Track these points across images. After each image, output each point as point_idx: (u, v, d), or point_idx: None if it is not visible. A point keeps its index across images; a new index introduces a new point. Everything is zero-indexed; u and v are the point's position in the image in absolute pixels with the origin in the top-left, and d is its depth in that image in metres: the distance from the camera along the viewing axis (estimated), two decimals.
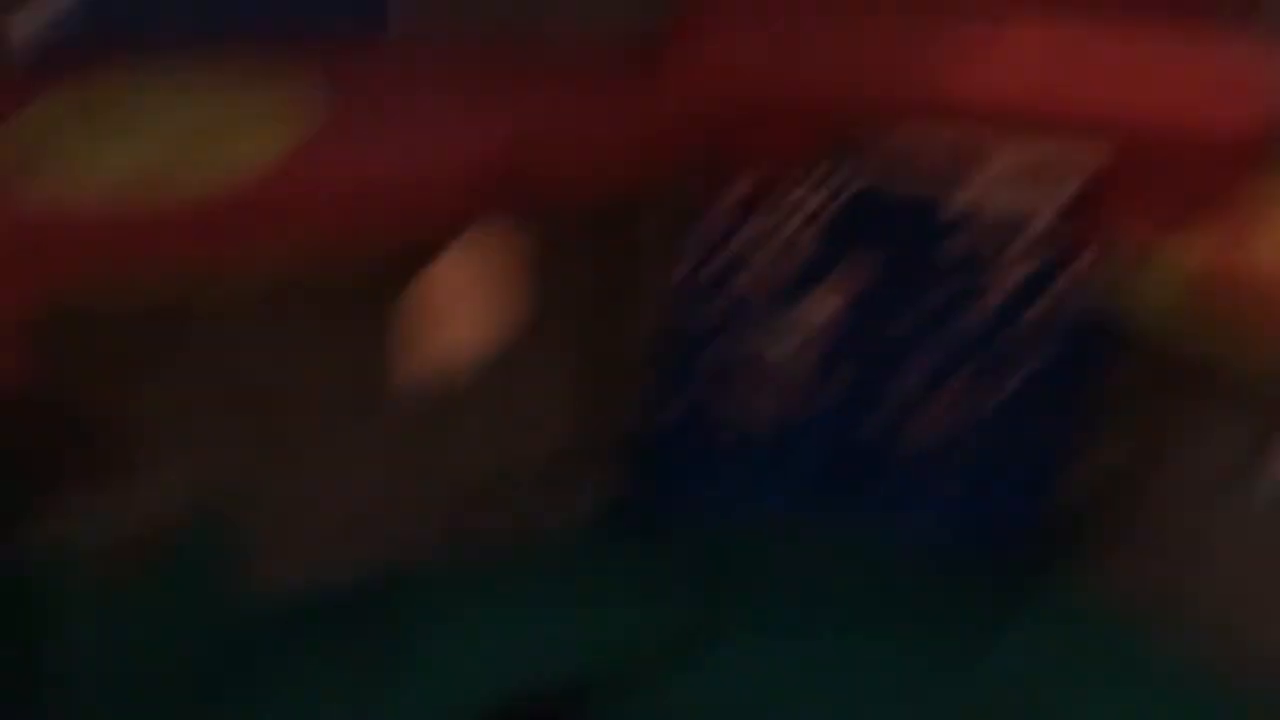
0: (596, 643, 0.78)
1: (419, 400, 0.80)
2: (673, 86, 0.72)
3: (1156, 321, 0.72)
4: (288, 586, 0.78)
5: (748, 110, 0.74)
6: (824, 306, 0.98)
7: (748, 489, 1.05)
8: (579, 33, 0.74)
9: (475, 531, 0.84)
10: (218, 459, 0.74)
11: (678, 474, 1.01)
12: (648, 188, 0.79)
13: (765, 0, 0.86)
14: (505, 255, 0.80)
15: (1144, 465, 0.88)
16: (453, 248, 0.79)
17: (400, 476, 0.81)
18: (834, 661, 0.84)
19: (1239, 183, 0.67)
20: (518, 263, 0.81)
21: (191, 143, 0.59)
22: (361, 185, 0.62)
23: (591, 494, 0.91)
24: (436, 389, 0.81)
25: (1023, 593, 0.90)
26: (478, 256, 0.82)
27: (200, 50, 0.65)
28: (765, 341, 0.98)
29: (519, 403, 0.85)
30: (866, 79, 0.77)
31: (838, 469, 1.04)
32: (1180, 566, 0.84)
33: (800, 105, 0.76)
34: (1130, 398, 0.87)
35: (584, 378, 0.88)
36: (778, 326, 0.98)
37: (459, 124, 0.67)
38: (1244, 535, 0.82)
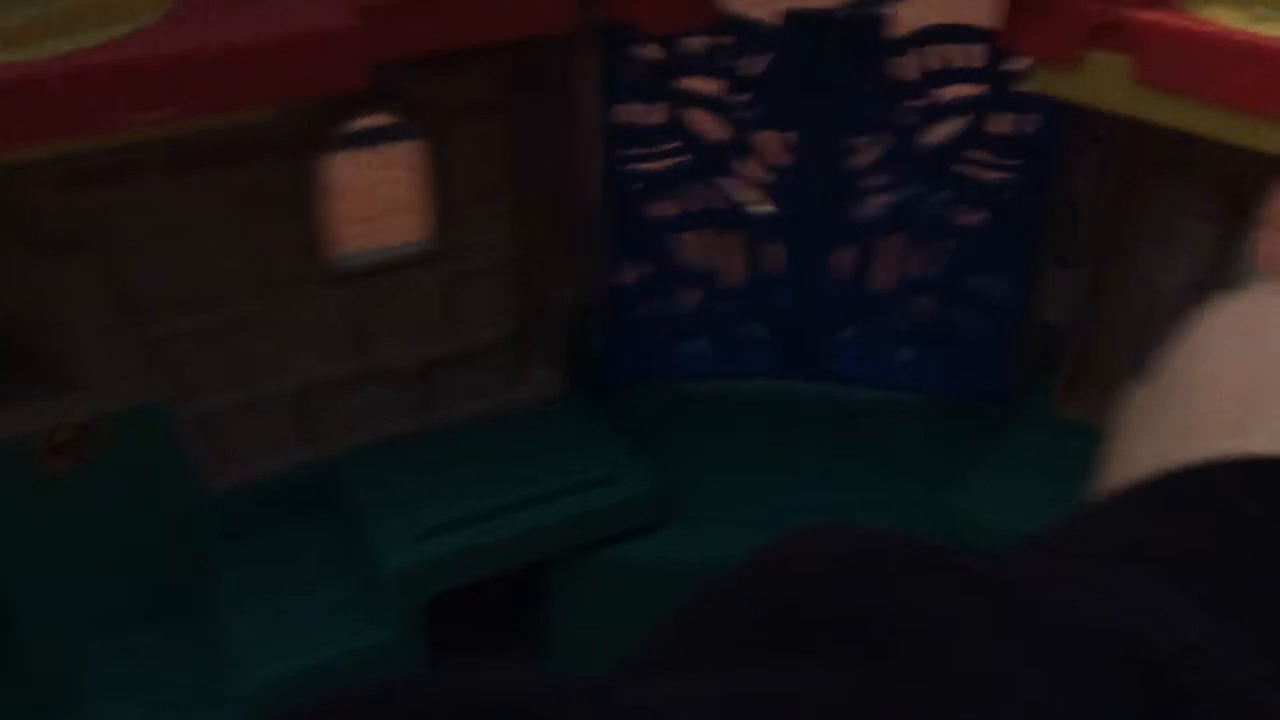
0: (558, 510, 0.75)
1: (356, 283, 0.77)
2: None
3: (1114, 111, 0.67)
4: (238, 476, 0.76)
5: None
6: (771, 149, 0.93)
7: (706, 351, 1.00)
8: None
9: (429, 411, 0.82)
10: (154, 350, 0.72)
11: (632, 340, 0.97)
12: (556, 39, 0.75)
13: None
14: (417, 123, 0.76)
15: (1116, 276, 0.84)
16: (361, 120, 0.75)
17: (346, 360, 0.79)
18: (805, 506, 0.81)
19: None
20: (432, 130, 0.76)
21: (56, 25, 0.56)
22: (232, 50, 0.59)
23: (546, 367, 0.87)
24: (372, 270, 0.78)
25: (999, 423, 0.86)
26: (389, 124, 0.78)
27: None
28: (714, 194, 0.94)
29: (462, 279, 0.82)
30: None
31: (798, 322, 1.00)
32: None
33: None
34: (1091, 204, 0.83)
35: (525, 246, 0.84)
36: (724, 178, 0.93)
37: None
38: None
